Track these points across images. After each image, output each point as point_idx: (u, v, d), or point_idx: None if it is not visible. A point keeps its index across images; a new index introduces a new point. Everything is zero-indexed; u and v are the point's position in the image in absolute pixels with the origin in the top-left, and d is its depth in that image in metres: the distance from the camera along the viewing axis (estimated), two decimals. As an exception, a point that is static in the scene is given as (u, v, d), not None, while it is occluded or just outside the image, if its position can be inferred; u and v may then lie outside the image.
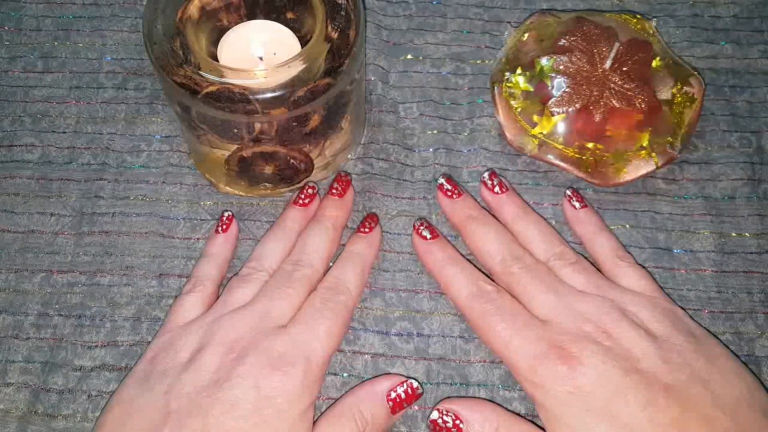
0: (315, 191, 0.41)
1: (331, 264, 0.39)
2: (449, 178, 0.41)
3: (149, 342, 0.36)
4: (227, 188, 0.42)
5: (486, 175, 0.41)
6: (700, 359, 0.33)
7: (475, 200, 0.41)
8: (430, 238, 0.39)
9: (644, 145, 0.42)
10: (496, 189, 0.41)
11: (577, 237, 0.40)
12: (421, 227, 0.39)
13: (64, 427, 0.36)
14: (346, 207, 0.41)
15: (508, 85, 0.44)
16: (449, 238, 0.41)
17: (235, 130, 0.36)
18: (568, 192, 0.41)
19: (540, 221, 0.40)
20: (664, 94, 0.42)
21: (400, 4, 0.49)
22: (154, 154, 0.44)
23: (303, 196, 0.40)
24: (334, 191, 0.40)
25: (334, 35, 0.37)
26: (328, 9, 0.37)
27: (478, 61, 0.47)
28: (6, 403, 0.37)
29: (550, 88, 0.42)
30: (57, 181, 0.43)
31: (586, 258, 0.39)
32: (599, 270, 0.38)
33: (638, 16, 0.45)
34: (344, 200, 0.40)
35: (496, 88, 0.44)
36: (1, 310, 0.39)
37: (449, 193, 0.40)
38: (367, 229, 0.40)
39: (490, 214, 0.40)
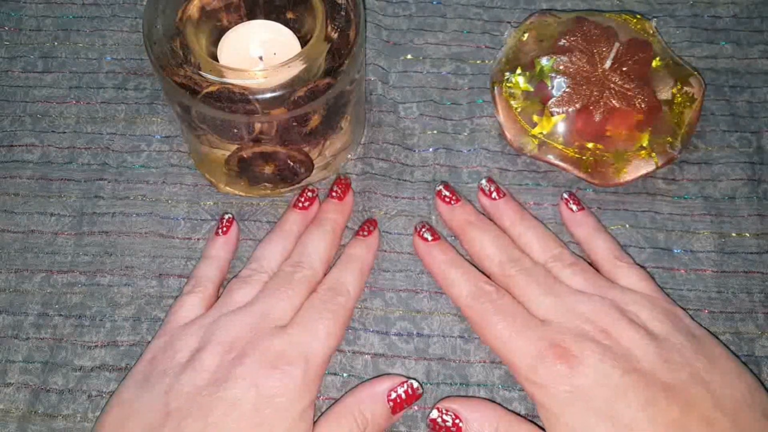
0: (315, 194, 0.41)
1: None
2: (447, 185, 0.41)
3: (149, 342, 0.36)
4: (227, 188, 0.42)
5: (483, 181, 0.41)
6: (701, 359, 0.33)
7: (474, 206, 0.41)
8: (432, 240, 0.39)
9: (644, 145, 0.42)
10: (494, 195, 0.41)
11: (575, 240, 0.40)
12: (423, 229, 0.40)
13: (64, 427, 0.36)
14: (346, 210, 0.41)
15: (508, 85, 0.44)
16: (449, 240, 0.41)
17: (235, 130, 0.36)
18: (565, 195, 0.41)
19: (538, 225, 0.40)
20: (664, 94, 0.42)
21: (400, 4, 0.49)
22: (154, 154, 0.44)
23: (303, 200, 0.40)
24: (334, 194, 0.41)
25: (334, 35, 0.37)
26: (328, 9, 0.37)
27: (478, 61, 0.47)
28: (6, 403, 0.37)
29: (550, 88, 0.42)
30: (57, 181, 0.43)
31: (584, 260, 0.39)
32: (598, 271, 0.38)
33: (638, 16, 0.45)
34: (344, 203, 0.41)
35: (496, 88, 0.44)
36: (1, 310, 0.39)
37: (447, 200, 0.41)
38: (366, 233, 0.40)
39: (489, 219, 0.40)
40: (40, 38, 0.48)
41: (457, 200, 0.41)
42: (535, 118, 0.42)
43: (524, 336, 0.34)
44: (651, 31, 0.45)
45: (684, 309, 0.37)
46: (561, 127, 0.42)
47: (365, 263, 0.39)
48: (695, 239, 0.41)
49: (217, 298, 0.38)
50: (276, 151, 0.38)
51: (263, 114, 0.35)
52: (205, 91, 0.34)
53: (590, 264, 0.39)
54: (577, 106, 0.41)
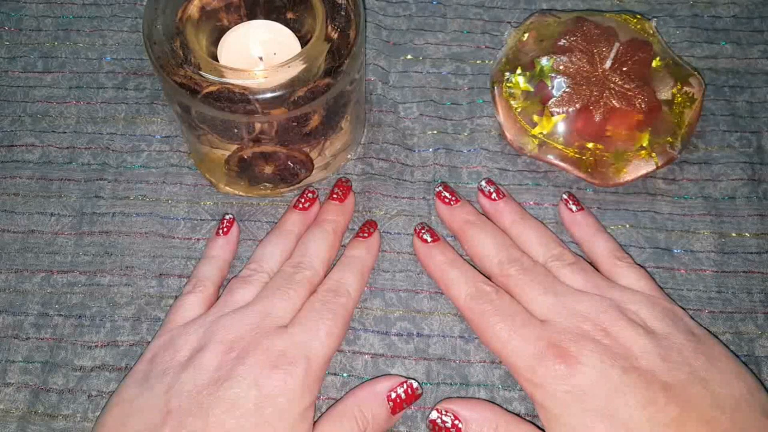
0: (315, 195, 0.41)
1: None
2: (447, 186, 0.41)
3: (149, 342, 0.36)
4: (227, 188, 0.42)
5: (483, 182, 0.41)
6: (700, 358, 0.33)
7: (473, 206, 0.41)
8: (431, 242, 0.39)
9: (644, 145, 0.42)
10: (493, 196, 0.41)
11: (575, 240, 0.40)
12: (422, 231, 0.40)
13: (64, 427, 0.36)
14: (347, 212, 0.41)
15: (508, 85, 0.44)
16: (448, 241, 0.41)
17: (235, 130, 0.36)
18: (564, 196, 0.41)
19: (538, 225, 0.40)
20: (664, 94, 0.42)
21: (400, 4, 0.49)
22: (154, 154, 0.44)
23: (303, 200, 0.40)
24: (334, 196, 0.41)
25: (334, 35, 0.37)
26: (328, 9, 0.37)
27: (478, 61, 0.47)
28: (6, 403, 0.37)
29: (550, 88, 0.42)
30: (57, 181, 0.43)
31: (584, 259, 0.39)
32: (598, 271, 0.38)
33: (638, 16, 0.45)
34: (345, 205, 0.41)
35: (496, 88, 0.44)
36: (1, 310, 0.39)
37: (447, 200, 0.41)
38: (366, 234, 0.40)
39: (489, 220, 0.40)
40: (40, 38, 0.48)
41: (457, 201, 0.41)
42: (535, 118, 0.42)
43: (523, 336, 0.34)
44: (651, 31, 0.45)
45: (684, 309, 0.37)
46: (561, 127, 0.42)
47: (365, 264, 0.39)
48: (695, 239, 0.41)
49: (218, 298, 0.38)
50: (276, 151, 0.38)
51: (263, 114, 0.35)
52: (205, 91, 0.34)
53: (590, 264, 0.39)
54: (577, 106, 0.41)
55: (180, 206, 0.42)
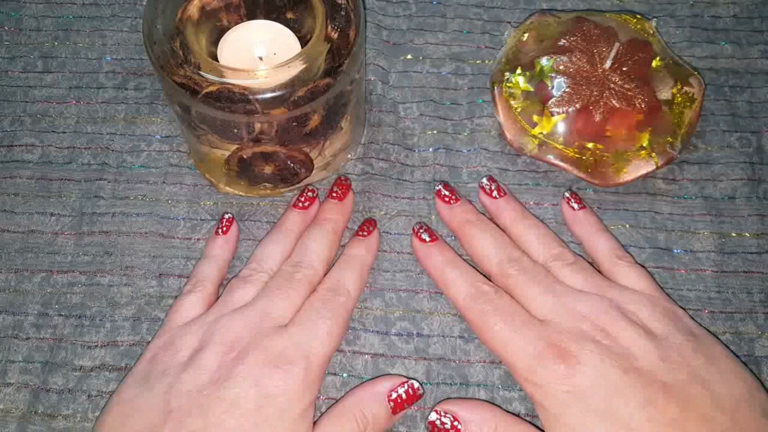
0: (315, 194, 0.41)
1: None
2: (447, 184, 0.41)
3: (149, 342, 0.36)
4: (227, 188, 0.42)
5: (484, 179, 0.41)
6: (700, 358, 0.33)
7: (473, 205, 0.41)
8: (430, 241, 0.39)
9: (644, 145, 0.42)
10: (494, 193, 0.41)
11: (576, 238, 0.40)
12: (421, 230, 0.40)
13: (64, 427, 0.36)
14: (346, 211, 0.41)
15: (508, 85, 0.44)
16: (448, 241, 0.41)
17: (235, 130, 0.36)
18: (566, 194, 0.41)
19: (538, 224, 0.40)
20: (664, 94, 0.42)
21: (400, 4, 0.49)
22: (154, 154, 0.44)
23: (303, 200, 0.40)
24: (334, 195, 0.41)
25: (334, 35, 0.37)
26: (328, 9, 0.37)
27: (478, 61, 0.47)
28: (6, 403, 0.37)
29: (550, 88, 0.42)
30: (57, 181, 0.43)
31: (584, 259, 0.39)
32: (598, 270, 0.38)
33: (638, 16, 0.45)
34: (344, 204, 0.41)
35: (496, 88, 0.44)
36: (1, 310, 0.39)
37: (447, 199, 0.41)
38: (365, 233, 0.40)
39: (489, 218, 0.40)
40: (40, 38, 0.48)
41: (457, 200, 0.41)
42: (535, 118, 0.42)
43: (523, 336, 0.34)
44: (651, 31, 0.45)
45: (684, 309, 0.37)
46: (561, 127, 0.42)
47: (365, 263, 0.39)
48: (695, 239, 0.41)
49: (217, 297, 0.38)
50: (276, 151, 0.38)
51: (263, 114, 0.35)
52: (205, 91, 0.34)
53: (590, 263, 0.39)
54: (577, 106, 0.41)
55: (180, 206, 0.42)
